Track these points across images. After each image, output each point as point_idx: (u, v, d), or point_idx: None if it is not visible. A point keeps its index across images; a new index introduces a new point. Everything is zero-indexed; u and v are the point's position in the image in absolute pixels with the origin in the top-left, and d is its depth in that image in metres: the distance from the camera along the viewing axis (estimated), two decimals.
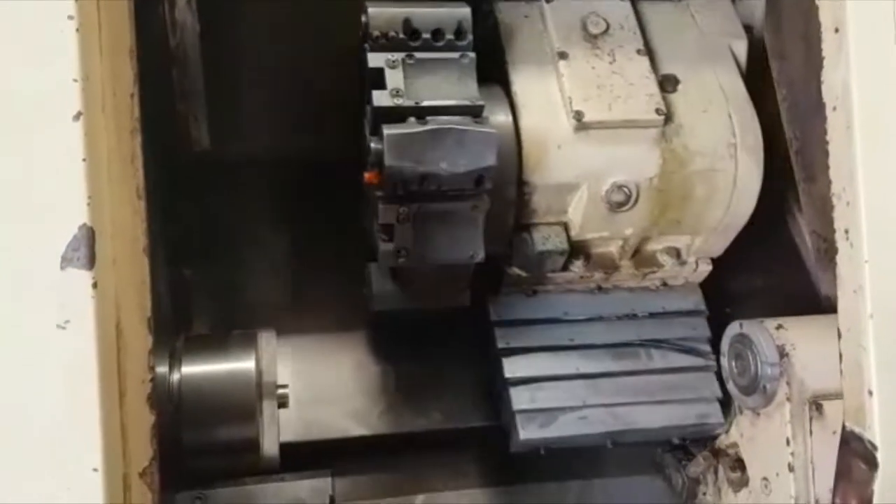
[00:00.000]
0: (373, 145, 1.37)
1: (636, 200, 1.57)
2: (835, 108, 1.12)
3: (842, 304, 1.14)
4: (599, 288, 1.75)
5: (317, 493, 1.59)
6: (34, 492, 0.95)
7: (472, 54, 1.45)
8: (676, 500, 1.78)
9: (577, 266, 1.69)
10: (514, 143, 1.53)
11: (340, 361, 1.76)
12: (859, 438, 1.11)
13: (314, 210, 1.88)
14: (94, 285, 0.95)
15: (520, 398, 1.64)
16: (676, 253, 1.72)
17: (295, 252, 1.86)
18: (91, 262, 0.95)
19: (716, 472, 1.70)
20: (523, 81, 1.57)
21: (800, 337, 1.47)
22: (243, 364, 1.35)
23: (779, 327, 1.49)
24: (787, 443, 1.46)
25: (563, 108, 1.55)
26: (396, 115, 1.38)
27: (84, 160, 0.96)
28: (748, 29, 1.82)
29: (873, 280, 1.09)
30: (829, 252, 1.22)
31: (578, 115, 1.52)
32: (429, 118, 1.38)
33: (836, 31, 1.11)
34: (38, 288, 0.95)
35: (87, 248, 0.95)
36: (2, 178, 0.96)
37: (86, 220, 0.95)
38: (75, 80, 0.96)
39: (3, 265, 0.95)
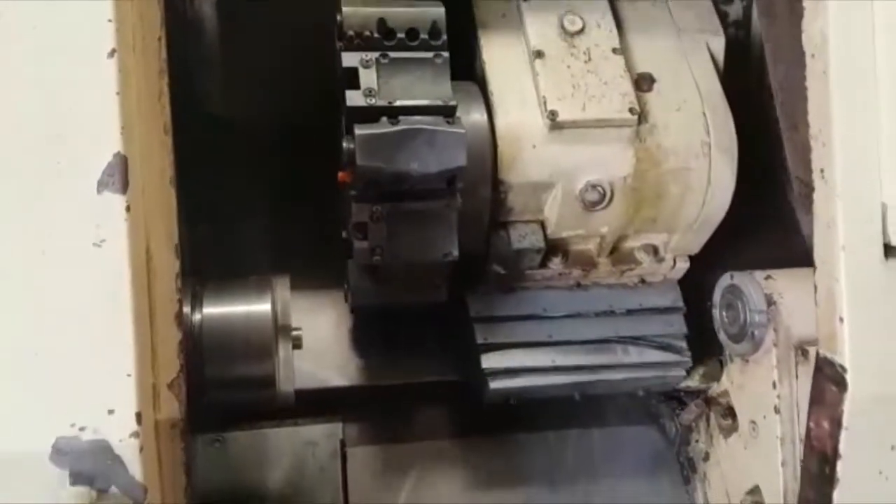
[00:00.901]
0: (345, 145, 1.39)
1: (611, 199, 1.57)
2: (813, 56, 1.20)
3: (817, 239, 1.22)
4: (578, 285, 1.75)
5: (328, 437, 1.68)
6: (72, 394, 1.03)
7: (446, 54, 1.47)
8: (670, 448, 1.84)
9: (556, 263, 1.69)
10: (490, 142, 1.53)
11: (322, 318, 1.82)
12: (831, 363, 1.20)
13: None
14: (128, 209, 1.05)
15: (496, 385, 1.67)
16: (654, 250, 1.72)
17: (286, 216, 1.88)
18: (124, 186, 1.05)
19: (707, 420, 1.75)
20: (499, 80, 1.58)
21: (787, 287, 1.52)
22: (260, 306, 1.42)
23: (767, 278, 1.54)
24: (774, 386, 1.50)
25: (537, 107, 1.56)
26: (369, 114, 1.40)
27: (118, 94, 1.06)
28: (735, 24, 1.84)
29: (845, 214, 1.17)
30: (809, 196, 1.27)
31: (553, 115, 1.53)
32: (401, 118, 1.40)
33: None
34: (76, 209, 1.04)
35: (121, 174, 1.04)
36: (43, 109, 1.05)
37: (120, 148, 1.05)
38: (110, 21, 1.06)
39: (45, 189, 1.04)
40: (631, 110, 1.55)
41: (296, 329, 1.43)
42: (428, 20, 1.48)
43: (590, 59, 1.60)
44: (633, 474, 1.82)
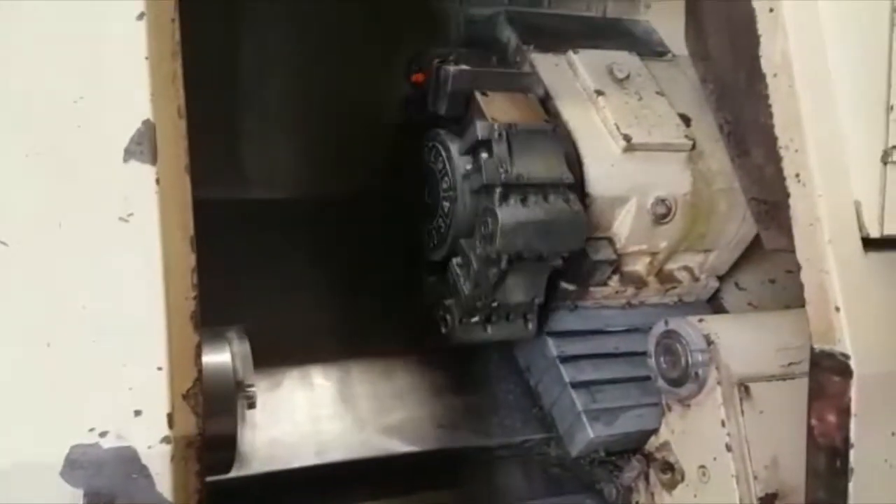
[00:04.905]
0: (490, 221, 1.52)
1: (675, 213, 1.72)
2: (776, 75, 1.25)
3: (799, 240, 1.23)
4: (629, 304, 1.85)
5: None
6: (91, 393, 0.86)
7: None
8: None
9: (614, 281, 1.78)
10: (577, 162, 1.65)
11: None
12: (830, 355, 1.19)
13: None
14: (158, 181, 0.90)
15: (582, 399, 1.69)
16: (691, 271, 1.90)
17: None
18: (154, 157, 0.90)
19: (647, 478, 1.67)
20: (571, 112, 1.69)
21: (720, 328, 1.52)
22: (220, 357, 1.25)
23: (700, 320, 1.53)
24: (723, 424, 1.47)
25: (608, 133, 1.69)
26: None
27: (147, 59, 0.91)
28: None
29: (828, 211, 1.19)
30: (770, 211, 1.32)
31: (627, 138, 1.66)
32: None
33: (771, 10, 1.24)
34: (99, 179, 0.89)
35: (151, 143, 0.89)
36: (64, 68, 0.90)
37: (149, 115, 0.90)
38: None
39: (63, 155, 0.88)
40: (686, 136, 1.74)
41: (250, 386, 1.28)
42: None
43: (641, 98, 1.78)
44: None
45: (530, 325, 1.68)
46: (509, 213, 1.49)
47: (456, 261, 1.61)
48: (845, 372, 1.18)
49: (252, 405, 1.29)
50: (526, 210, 1.50)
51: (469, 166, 1.58)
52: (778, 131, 1.26)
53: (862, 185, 1.20)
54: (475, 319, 1.64)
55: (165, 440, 0.86)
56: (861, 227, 1.20)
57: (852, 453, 1.18)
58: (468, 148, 1.58)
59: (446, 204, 1.63)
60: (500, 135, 1.53)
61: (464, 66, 1.61)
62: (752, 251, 1.90)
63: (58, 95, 0.89)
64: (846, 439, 1.19)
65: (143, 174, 0.90)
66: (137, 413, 0.86)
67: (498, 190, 1.50)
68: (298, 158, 1.97)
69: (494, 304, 1.60)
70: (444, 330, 1.66)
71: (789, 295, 1.89)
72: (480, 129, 1.54)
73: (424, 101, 1.68)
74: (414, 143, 1.73)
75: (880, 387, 1.20)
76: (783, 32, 1.23)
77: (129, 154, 0.89)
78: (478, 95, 1.58)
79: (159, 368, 0.87)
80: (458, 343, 1.65)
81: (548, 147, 1.58)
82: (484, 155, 1.53)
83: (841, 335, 1.18)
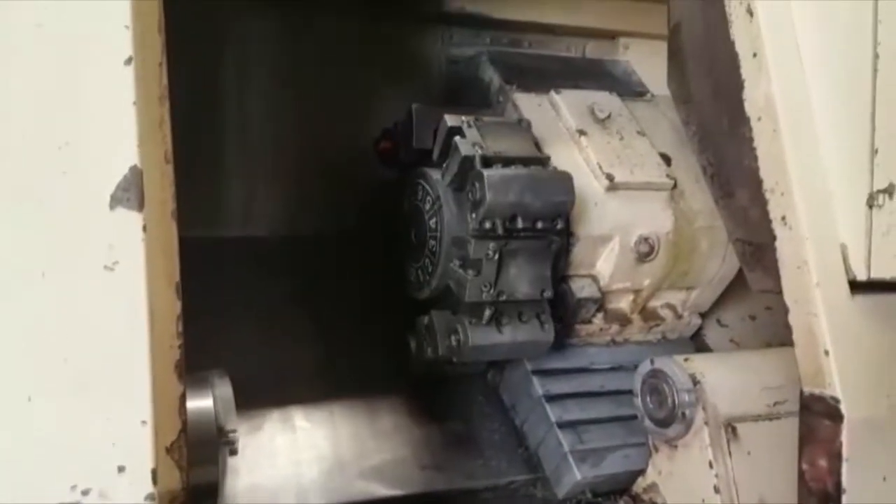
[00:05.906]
0: (478, 185, 1.48)
1: (657, 251, 1.72)
2: (760, 119, 1.24)
3: (786, 282, 1.20)
4: (613, 341, 1.83)
5: None
6: (73, 449, 0.83)
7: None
8: None
9: (599, 319, 1.77)
10: None
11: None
12: (820, 398, 1.16)
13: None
14: (145, 228, 0.88)
15: (569, 439, 1.67)
16: (674, 309, 1.90)
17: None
18: (141, 204, 0.87)
19: None
20: (554, 151, 1.68)
21: (705, 367, 1.49)
22: (202, 403, 1.20)
23: (686, 360, 1.50)
24: (711, 465, 1.43)
25: (591, 172, 1.70)
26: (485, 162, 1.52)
27: (134, 104, 0.89)
28: None
29: (815, 254, 1.17)
30: (755, 253, 1.30)
31: (610, 177, 1.66)
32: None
33: (755, 55, 1.23)
34: (84, 227, 0.87)
35: (138, 190, 0.87)
36: (50, 115, 0.87)
37: (136, 161, 0.88)
38: (127, 27, 0.90)
39: (48, 203, 0.86)
40: (668, 176, 1.74)
41: (232, 431, 1.23)
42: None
43: (623, 138, 1.79)
44: None
45: (546, 326, 1.61)
46: (494, 172, 1.49)
47: (453, 264, 1.58)
48: (836, 416, 1.15)
49: (234, 451, 1.25)
50: (510, 171, 1.50)
51: (445, 167, 1.59)
52: (763, 174, 1.25)
53: (848, 228, 1.19)
54: (486, 318, 1.56)
55: (150, 497, 0.83)
56: (847, 269, 1.19)
57: (844, 498, 1.15)
58: (441, 148, 1.59)
59: (433, 221, 1.61)
60: (469, 124, 1.57)
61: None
62: (733, 288, 1.90)
63: (43, 141, 0.86)
64: (838, 484, 1.16)
65: (130, 221, 0.88)
66: (121, 469, 0.83)
67: (478, 157, 1.50)
68: (281, 197, 1.94)
69: (502, 299, 1.53)
70: (455, 344, 1.59)
71: (769, 332, 1.90)
72: (450, 120, 1.57)
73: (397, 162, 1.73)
74: (394, 193, 1.75)
75: (871, 430, 1.17)
76: (767, 76, 1.23)
77: (115, 201, 0.87)
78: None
79: (143, 422, 0.84)
80: (473, 354, 1.59)
81: (517, 133, 1.62)
82: (458, 137, 1.54)
83: (831, 379, 1.16)
